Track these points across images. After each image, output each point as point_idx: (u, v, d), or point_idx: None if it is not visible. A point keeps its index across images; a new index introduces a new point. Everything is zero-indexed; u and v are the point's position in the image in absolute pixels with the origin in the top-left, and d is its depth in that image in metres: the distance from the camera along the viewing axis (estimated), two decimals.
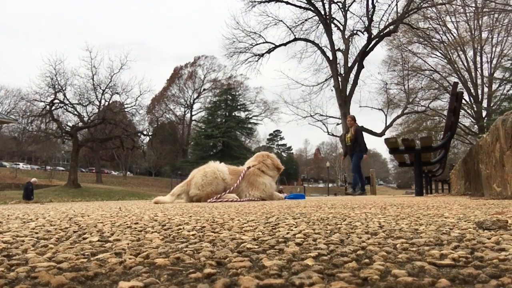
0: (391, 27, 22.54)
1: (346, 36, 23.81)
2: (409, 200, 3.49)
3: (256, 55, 25.24)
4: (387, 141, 5.78)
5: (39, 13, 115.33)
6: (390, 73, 30.36)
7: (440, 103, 29.84)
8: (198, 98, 62.62)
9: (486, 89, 28.36)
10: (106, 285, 0.51)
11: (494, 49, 28.21)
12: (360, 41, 30.37)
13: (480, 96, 28.11)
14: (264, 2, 23.80)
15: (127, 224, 1.23)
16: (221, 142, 53.25)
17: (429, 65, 30.01)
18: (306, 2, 23.86)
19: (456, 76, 28.45)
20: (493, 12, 23.27)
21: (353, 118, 9.88)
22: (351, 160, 9.93)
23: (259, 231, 1.02)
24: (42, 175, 44.21)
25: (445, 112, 20.85)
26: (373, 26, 22.65)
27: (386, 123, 27.10)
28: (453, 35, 28.26)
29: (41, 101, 30.69)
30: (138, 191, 36.36)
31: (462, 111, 25.00)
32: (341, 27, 24.06)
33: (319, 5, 23.72)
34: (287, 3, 24.05)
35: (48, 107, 30.29)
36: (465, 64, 28.61)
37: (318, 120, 27.21)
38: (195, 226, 1.15)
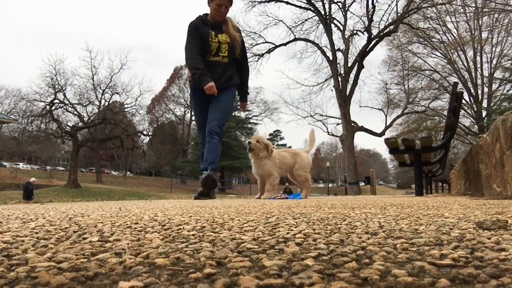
0: (391, 27, 22.54)
1: (346, 36, 23.82)
2: (409, 200, 3.49)
3: (256, 55, 25.22)
4: (387, 141, 5.78)
5: (40, 14, 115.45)
6: (390, 73, 30.47)
7: (440, 103, 29.95)
8: None
9: (486, 89, 28.41)
10: (106, 285, 0.51)
11: (494, 49, 28.28)
12: (360, 41, 30.53)
13: (480, 96, 28.15)
14: (264, 2, 23.81)
15: (127, 224, 1.23)
16: None
17: (429, 65, 30.10)
18: (306, 2, 23.87)
19: (456, 76, 28.50)
20: (493, 12, 23.27)
21: (231, 2, 4.65)
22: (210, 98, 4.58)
23: (259, 231, 1.02)
24: (42, 175, 44.14)
25: (445, 112, 20.84)
26: (373, 26, 22.66)
27: (386, 123, 27.17)
28: (453, 35, 28.33)
29: (41, 101, 30.63)
30: (138, 191, 36.31)
31: (462, 111, 25.03)
32: (341, 27, 24.08)
33: (319, 5, 23.76)
34: (287, 3, 24.06)
35: (48, 107, 30.22)
36: (465, 64, 28.66)
37: (318, 120, 27.28)
38: (195, 226, 1.14)
